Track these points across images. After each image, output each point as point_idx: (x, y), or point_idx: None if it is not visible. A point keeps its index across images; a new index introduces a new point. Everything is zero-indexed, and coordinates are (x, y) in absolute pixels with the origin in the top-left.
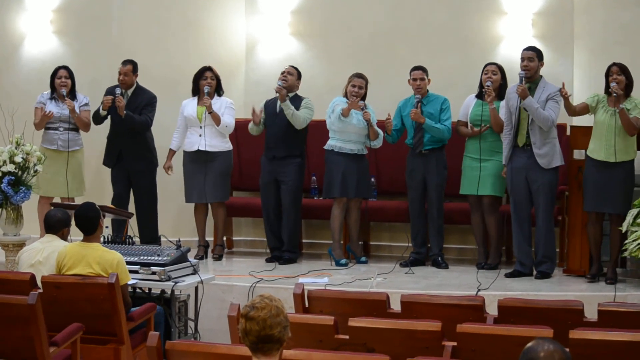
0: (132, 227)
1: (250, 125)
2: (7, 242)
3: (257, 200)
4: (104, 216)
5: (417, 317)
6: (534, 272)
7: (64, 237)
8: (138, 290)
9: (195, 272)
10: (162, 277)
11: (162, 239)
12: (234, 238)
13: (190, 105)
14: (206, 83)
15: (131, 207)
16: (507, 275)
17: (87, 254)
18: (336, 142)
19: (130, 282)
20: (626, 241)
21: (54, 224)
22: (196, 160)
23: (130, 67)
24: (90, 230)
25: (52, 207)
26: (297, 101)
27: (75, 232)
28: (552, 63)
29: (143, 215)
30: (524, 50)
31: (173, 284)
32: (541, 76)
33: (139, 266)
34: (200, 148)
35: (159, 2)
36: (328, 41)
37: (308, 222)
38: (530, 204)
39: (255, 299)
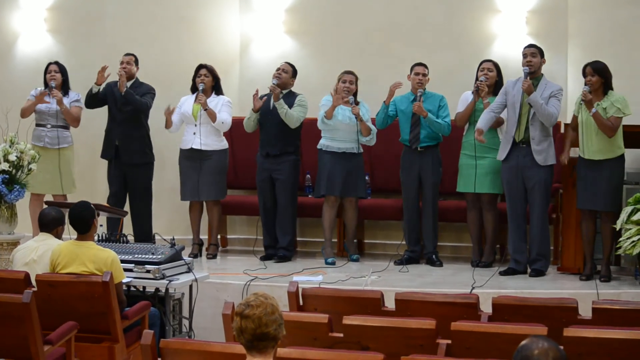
0: (126, 226)
1: (246, 120)
2: (1, 241)
3: (252, 198)
4: (99, 215)
5: (411, 315)
6: (529, 270)
7: (58, 236)
8: (132, 288)
9: (189, 270)
10: (157, 275)
11: (157, 237)
12: (228, 236)
13: (188, 102)
14: (200, 80)
15: (126, 205)
16: (502, 273)
17: (81, 252)
18: (325, 141)
19: (125, 280)
20: (620, 239)
21: (48, 223)
22: (190, 158)
23: (133, 57)
24: (84, 229)
25: (46, 206)
26: (291, 98)
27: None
28: (546, 61)
29: (138, 213)
30: (526, 47)
31: (167, 282)
32: (542, 74)
33: (133, 264)
34: (194, 146)
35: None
36: (322, 39)
37: (302, 220)
38: (526, 201)
39: (250, 297)
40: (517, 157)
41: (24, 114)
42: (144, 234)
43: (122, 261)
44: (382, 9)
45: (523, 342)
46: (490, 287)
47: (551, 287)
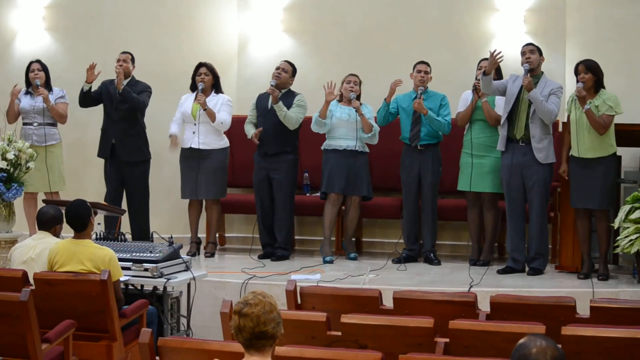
0: (124, 224)
1: (247, 127)
2: None
3: (250, 197)
4: (96, 213)
5: (409, 314)
6: (527, 269)
7: (56, 234)
8: (130, 286)
9: (187, 268)
10: (155, 273)
11: (155, 235)
12: (226, 235)
13: (188, 101)
14: (200, 79)
15: (123, 203)
16: (500, 272)
17: (79, 250)
18: (327, 140)
19: (123, 278)
20: (618, 237)
21: (47, 221)
22: (190, 157)
23: (129, 55)
24: (81, 227)
25: (43, 204)
26: (290, 97)
27: (68, 230)
28: (544, 59)
29: (135, 211)
30: (525, 45)
31: (165, 280)
32: (542, 72)
33: (131, 263)
34: (193, 145)
35: None
36: (320, 38)
37: (301, 218)
38: (525, 200)
39: (248, 296)
40: (516, 155)
41: (10, 117)
42: (142, 232)
43: (120, 259)
44: (380, 8)
45: (521, 341)
46: (488, 285)
47: (549, 286)
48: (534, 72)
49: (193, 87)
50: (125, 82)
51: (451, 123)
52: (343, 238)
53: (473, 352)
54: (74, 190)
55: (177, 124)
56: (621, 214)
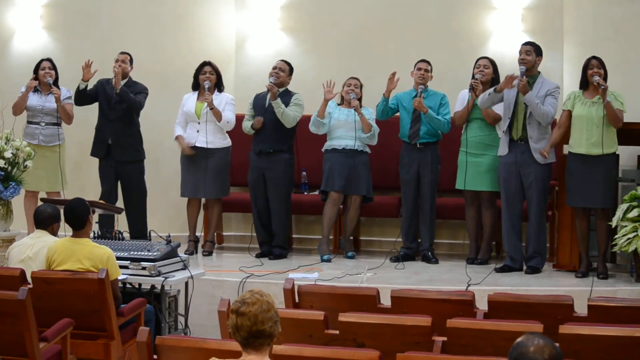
0: (122, 223)
1: (245, 124)
2: None
3: (248, 195)
4: (94, 212)
5: (407, 312)
6: (524, 267)
7: (53, 233)
8: (128, 285)
9: (185, 267)
10: (152, 272)
11: (152, 234)
12: (224, 233)
13: (190, 101)
14: (205, 78)
15: (119, 203)
16: (497, 270)
17: (77, 249)
18: (327, 141)
19: (121, 277)
20: (616, 236)
21: (44, 220)
22: (194, 156)
23: (128, 56)
24: (79, 226)
25: (42, 203)
26: (287, 96)
27: (66, 228)
28: (541, 60)
29: (132, 210)
30: (523, 44)
31: (163, 279)
32: (539, 72)
33: (129, 261)
34: (199, 144)
35: None
36: (318, 36)
37: (299, 217)
38: (523, 199)
39: (246, 295)
40: (515, 154)
41: (17, 109)
42: (139, 231)
43: (118, 258)
44: (377, 6)
45: (519, 339)
46: (486, 284)
47: (547, 284)
48: (530, 72)
49: (195, 86)
50: (122, 82)
51: (450, 122)
52: (341, 237)
53: (471, 350)
54: (73, 189)
55: (181, 126)
56: (619, 213)
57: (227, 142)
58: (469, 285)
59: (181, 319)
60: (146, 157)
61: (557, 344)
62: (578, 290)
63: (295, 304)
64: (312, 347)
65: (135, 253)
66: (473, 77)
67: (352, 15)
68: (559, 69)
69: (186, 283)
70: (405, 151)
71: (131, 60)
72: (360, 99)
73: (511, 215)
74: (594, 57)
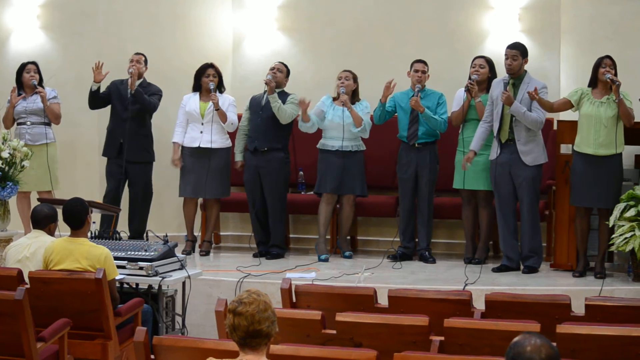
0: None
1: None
2: None
3: (245, 195)
4: (92, 211)
5: (404, 312)
6: (521, 267)
7: (50, 233)
8: (125, 285)
9: (182, 267)
10: (150, 272)
11: (149, 234)
12: (221, 233)
13: (193, 101)
14: (209, 80)
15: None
16: (495, 270)
17: (75, 249)
18: (322, 139)
19: (118, 277)
20: (613, 235)
21: (41, 220)
22: (195, 156)
23: (143, 57)
24: (77, 226)
25: (38, 203)
26: (283, 97)
27: (64, 228)
28: (539, 58)
29: (138, 211)
30: (508, 47)
31: (160, 279)
32: (526, 71)
33: (126, 261)
34: (202, 145)
35: None
36: (315, 36)
37: (296, 217)
38: (515, 198)
39: (243, 294)
40: (504, 154)
41: (7, 122)
42: (137, 231)
43: (115, 258)
44: (374, 6)
45: (516, 339)
46: (483, 283)
47: (544, 284)
48: (516, 75)
49: (195, 88)
50: (137, 83)
51: (448, 122)
52: (338, 236)
53: (468, 350)
54: (65, 189)
55: (182, 128)
56: (616, 212)
57: (228, 142)
58: (466, 284)
59: (178, 319)
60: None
61: (555, 344)
62: (575, 290)
63: (293, 304)
64: (310, 347)
65: (133, 253)
66: (469, 78)
67: (349, 15)
68: (556, 68)
69: (183, 283)
70: (404, 151)
71: (146, 61)
72: (355, 91)
73: (505, 215)
74: (607, 56)
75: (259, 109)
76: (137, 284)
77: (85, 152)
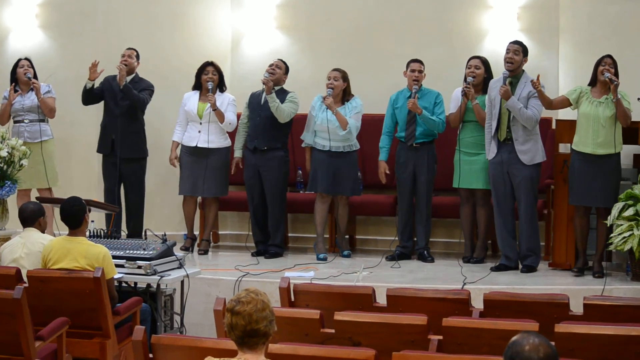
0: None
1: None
2: None
3: (243, 194)
4: (90, 210)
5: (403, 311)
6: (520, 266)
7: (41, 228)
8: (124, 284)
9: (181, 266)
10: (148, 271)
11: (148, 232)
12: (220, 232)
13: (192, 100)
14: (208, 78)
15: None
16: (493, 269)
17: (73, 248)
18: (316, 139)
19: (116, 276)
20: (612, 235)
21: (28, 217)
22: (194, 155)
23: (134, 52)
24: (75, 224)
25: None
26: (282, 95)
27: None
28: (537, 57)
29: (132, 207)
30: (511, 43)
31: (159, 278)
32: (523, 71)
33: (124, 260)
34: (200, 145)
35: None
36: (314, 35)
37: (294, 216)
38: (513, 197)
39: (241, 294)
40: (502, 153)
41: (3, 118)
42: (135, 229)
43: (114, 257)
44: (373, 5)
45: (514, 338)
46: (481, 283)
47: (542, 283)
48: (514, 73)
49: (196, 86)
50: (129, 78)
51: (445, 121)
52: (337, 235)
53: (466, 349)
54: (63, 187)
55: (181, 126)
56: (614, 212)
57: (227, 142)
58: (464, 284)
59: (177, 318)
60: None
61: (553, 343)
62: (574, 289)
63: (291, 303)
64: (308, 346)
65: (131, 252)
66: (465, 80)
67: (348, 14)
68: (555, 68)
69: (182, 282)
70: (402, 150)
71: (138, 56)
72: (346, 90)
73: (503, 215)
74: (608, 56)
75: (258, 108)
76: (135, 283)
77: (84, 151)
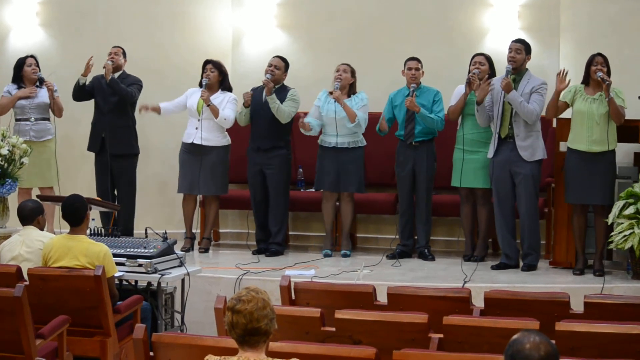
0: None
1: (237, 115)
2: None
3: (244, 192)
4: (90, 208)
5: (403, 309)
6: (520, 264)
7: (40, 226)
8: (124, 282)
9: (181, 264)
10: (149, 269)
11: (149, 231)
12: (220, 230)
13: (194, 96)
14: (205, 75)
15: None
16: (494, 268)
17: (74, 246)
18: (321, 136)
19: (117, 274)
20: (612, 233)
21: (28, 215)
22: (191, 152)
23: (121, 49)
24: (76, 222)
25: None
26: (283, 92)
27: (63, 225)
28: (538, 55)
29: (123, 204)
30: (513, 41)
31: (159, 276)
32: (527, 69)
33: (125, 258)
34: (195, 141)
35: None
36: (314, 33)
37: (295, 214)
38: (514, 196)
39: (242, 292)
40: (504, 151)
41: (3, 110)
42: (125, 227)
43: (114, 255)
44: (374, 3)
45: (515, 337)
46: (482, 281)
47: (543, 282)
48: (517, 70)
49: (200, 83)
50: (116, 75)
51: (444, 119)
52: (337, 233)
53: (467, 347)
54: (65, 186)
55: (172, 104)
56: (615, 210)
57: (225, 140)
58: (465, 282)
59: (177, 316)
60: (140, 152)
61: (554, 341)
62: (574, 288)
63: (292, 301)
64: (309, 344)
65: (132, 250)
66: (470, 73)
67: (348, 12)
68: (555, 66)
69: (182, 280)
70: (401, 148)
71: (124, 53)
72: (353, 84)
73: (504, 213)
74: (598, 54)
75: (259, 108)
76: (136, 281)
77: (84, 149)
